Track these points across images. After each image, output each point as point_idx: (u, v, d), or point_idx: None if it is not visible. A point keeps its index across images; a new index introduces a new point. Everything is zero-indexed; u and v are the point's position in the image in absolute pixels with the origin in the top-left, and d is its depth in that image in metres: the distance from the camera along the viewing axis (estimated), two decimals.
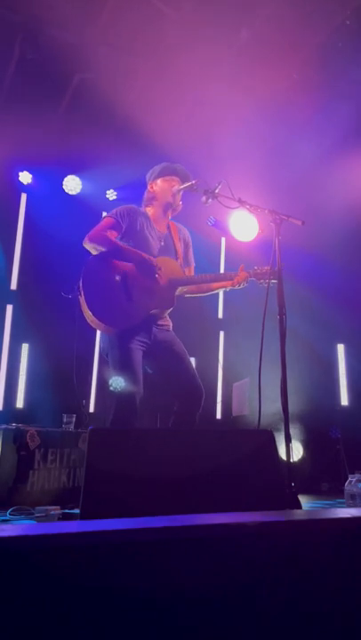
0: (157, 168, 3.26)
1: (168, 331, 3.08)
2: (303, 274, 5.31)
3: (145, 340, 2.93)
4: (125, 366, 2.83)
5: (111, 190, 5.90)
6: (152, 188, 3.24)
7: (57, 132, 5.16)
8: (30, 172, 5.51)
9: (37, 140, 5.05)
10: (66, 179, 5.65)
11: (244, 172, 4.36)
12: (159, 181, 3.22)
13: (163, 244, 3.15)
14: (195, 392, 2.94)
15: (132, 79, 4.99)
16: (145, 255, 2.95)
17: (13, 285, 5.43)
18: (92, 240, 2.97)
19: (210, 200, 3.00)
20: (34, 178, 5.53)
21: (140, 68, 4.87)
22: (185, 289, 3.17)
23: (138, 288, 2.92)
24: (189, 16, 4.36)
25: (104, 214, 5.67)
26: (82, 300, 2.87)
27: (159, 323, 3.03)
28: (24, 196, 5.62)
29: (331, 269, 5.56)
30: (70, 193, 5.67)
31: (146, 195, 3.27)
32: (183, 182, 3.19)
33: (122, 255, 2.94)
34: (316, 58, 4.67)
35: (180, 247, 3.23)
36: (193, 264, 3.31)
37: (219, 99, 5.02)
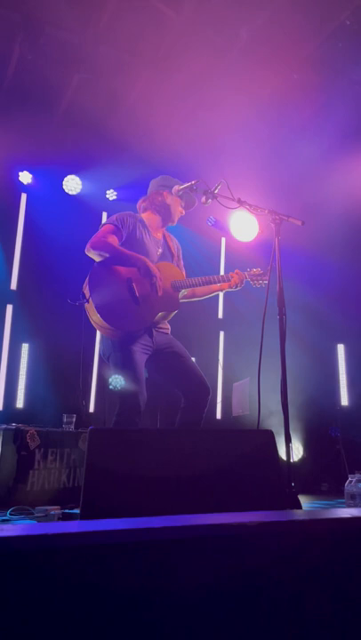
0: (176, 183, 3.19)
1: (167, 334, 3.10)
2: (303, 274, 5.31)
3: (147, 343, 2.94)
4: (127, 368, 2.83)
5: (111, 190, 5.90)
6: (167, 198, 3.20)
7: (57, 131, 5.17)
8: (30, 172, 5.51)
9: (37, 140, 5.06)
10: (66, 179, 5.65)
11: (244, 173, 4.37)
12: (175, 198, 3.19)
13: (160, 250, 3.17)
14: (202, 389, 2.97)
15: (132, 79, 4.99)
16: (147, 261, 2.94)
17: (13, 285, 5.43)
18: (94, 247, 2.94)
19: (210, 200, 3.00)
20: (34, 178, 5.53)
21: (140, 68, 4.87)
22: (185, 292, 3.18)
23: (144, 292, 2.93)
24: (189, 17, 4.35)
25: (104, 215, 5.74)
26: (90, 306, 2.89)
27: (159, 326, 3.04)
28: (24, 196, 5.61)
29: (331, 269, 5.56)
30: (70, 193, 5.67)
31: (155, 198, 3.22)
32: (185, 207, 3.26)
33: (125, 260, 2.94)
34: (316, 58, 4.67)
35: (175, 253, 3.27)
36: (184, 271, 3.32)
37: (219, 99, 5.02)
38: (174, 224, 3.29)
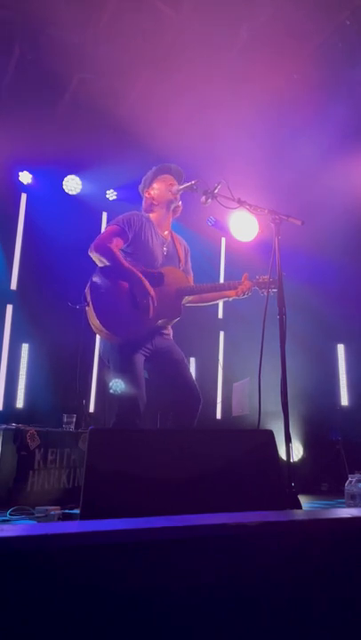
0: (149, 174, 3.25)
1: (168, 338, 3.08)
2: (303, 274, 5.30)
3: (147, 345, 2.94)
4: (127, 371, 2.82)
5: (111, 190, 5.90)
6: (149, 194, 3.21)
7: (57, 131, 5.16)
8: (30, 172, 5.51)
9: (37, 140, 5.05)
10: (66, 179, 5.65)
11: (244, 173, 4.37)
12: (155, 184, 3.21)
13: (166, 250, 3.14)
14: (191, 402, 2.94)
15: (131, 79, 4.99)
16: (143, 280, 2.89)
17: (13, 285, 5.43)
18: (97, 250, 2.94)
19: (209, 200, 3.00)
20: (34, 178, 5.53)
21: (139, 67, 4.87)
22: (190, 298, 3.16)
23: (145, 299, 2.90)
24: (189, 16, 4.36)
25: (104, 215, 5.74)
26: (89, 309, 2.88)
27: (161, 329, 3.03)
28: (24, 196, 5.61)
29: (331, 269, 5.56)
30: (70, 193, 5.67)
31: (144, 204, 3.24)
32: (178, 180, 3.20)
33: (123, 275, 2.91)
34: (316, 58, 4.67)
35: (182, 254, 3.23)
36: (192, 274, 3.30)
37: (219, 99, 5.02)
38: (177, 202, 3.21)
